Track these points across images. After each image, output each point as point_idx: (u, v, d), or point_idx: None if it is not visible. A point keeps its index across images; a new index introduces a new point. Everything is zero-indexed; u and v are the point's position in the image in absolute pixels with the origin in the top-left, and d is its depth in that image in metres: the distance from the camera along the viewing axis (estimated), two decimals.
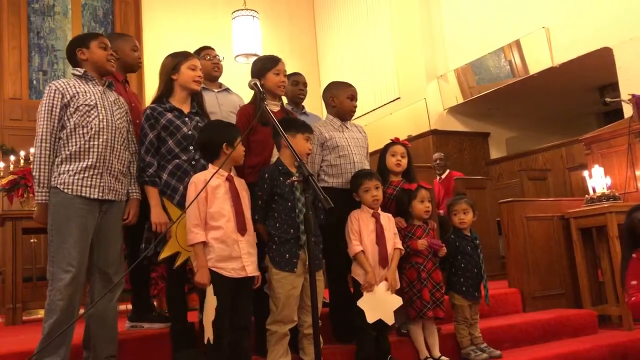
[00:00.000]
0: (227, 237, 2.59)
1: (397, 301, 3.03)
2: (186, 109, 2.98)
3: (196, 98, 3.05)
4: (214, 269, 2.58)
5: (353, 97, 3.41)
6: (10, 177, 4.77)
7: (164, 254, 2.73)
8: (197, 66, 3.00)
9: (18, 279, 4.32)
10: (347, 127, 3.40)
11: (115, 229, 2.78)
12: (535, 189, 6.29)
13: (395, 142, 3.43)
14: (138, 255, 2.83)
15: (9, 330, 4.03)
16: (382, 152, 3.44)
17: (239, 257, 2.60)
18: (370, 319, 2.94)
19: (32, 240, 5.33)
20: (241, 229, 2.62)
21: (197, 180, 2.65)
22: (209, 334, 2.53)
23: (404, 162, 3.37)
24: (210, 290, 2.55)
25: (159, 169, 2.87)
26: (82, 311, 2.64)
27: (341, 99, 3.39)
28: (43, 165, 2.63)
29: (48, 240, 2.65)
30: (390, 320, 2.98)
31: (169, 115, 2.90)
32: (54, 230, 2.61)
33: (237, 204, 2.64)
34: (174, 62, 2.98)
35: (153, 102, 2.97)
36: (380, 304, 2.98)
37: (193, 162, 2.85)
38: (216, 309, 2.53)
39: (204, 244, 2.59)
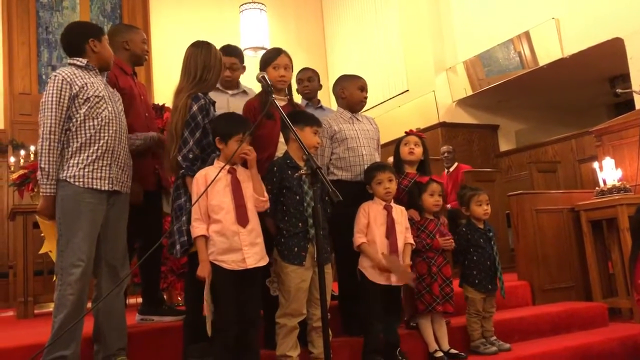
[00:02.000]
0: (227, 229, 2.58)
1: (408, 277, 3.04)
2: None
3: None
4: (215, 262, 2.58)
5: (363, 88, 3.41)
6: (21, 172, 4.80)
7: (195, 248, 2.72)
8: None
9: (29, 272, 4.36)
10: (357, 119, 3.39)
11: (121, 221, 2.79)
12: (545, 182, 6.25)
13: (408, 133, 3.43)
14: (150, 248, 2.82)
15: (20, 324, 4.07)
16: (396, 145, 3.44)
17: (240, 249, 2.58)
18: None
19: (42, 235, 5.36)
20: (242, 221, 2.61)
21: (199, 176, 2.66)
22: (208, 326, 2.56)
23: (418, 150, 3.36)
24: (207, 284, 2.56)
25: (201, 161, 2.80)
26: (89, 304, 2.65)
27: (351, 90, 3.38)
28: (51, 157, 2.59)
29: (57, 234, 2.64)
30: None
31: (212, 108, 2.89)
32: (63, 224, 2.60)
33: (238, 196, 2.63)
34: (219, 56, 2.93)
35: (200, 91, 2.84)
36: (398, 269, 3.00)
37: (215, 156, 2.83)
38: (220, 301, 2.56)
39: (205, 237, 2.59)
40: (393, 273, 2.97)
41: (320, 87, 4.20)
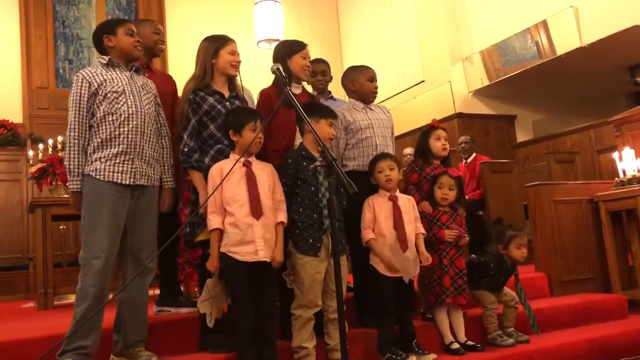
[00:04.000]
0: (240, 221, 2.61)
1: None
2: (226, 93, 2.99)
3: (233, 82, 3.06)
4: (228, 254, 2.61)
5: (373, 78, 3.38)
6: (39, 165, 4.87)
7: (201, 237, 2.77)
8: (235, 51, 3.01)
9: (48, 264, 4.41)
10: (370, 109, 3.38)
11: (148, 214, 2.81)
12: (563, 172, 6.18)
13: (436, 126, 3.39)
14: (168, 239, 2.85)
15: (41, 315, 4.13)
16: (424, 136, 3.40)
17: (252, 241, 2.60)
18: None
19: (61, 227, 5.43)
20: (256, 213, 2.62)
21: (215, 169, 2.69)
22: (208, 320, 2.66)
23: (448, 145, 3.36)
24: (215, 276, 2.63)
25: (201, 153, 2.89)
26: (111, 295, 2.69)
27: (361, 81, 3.36)
28: (72, 154, 2.67)
29: (80, 227, 2.70)
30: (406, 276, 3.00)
31: (211, 100, 2.91)
32: (86, 216, 2.65)
33: (252, 188, 2.65)
34: (214, 46, 2.98)
35: (195, 86, 2.96)
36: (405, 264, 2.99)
37: (230, 148, 2.85)
38: (235, 292, 2.60)
39: (220, 230, 2.62)
40: (400, 272, 2.96)
41: (330, 78, 4.19)
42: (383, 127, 3.35)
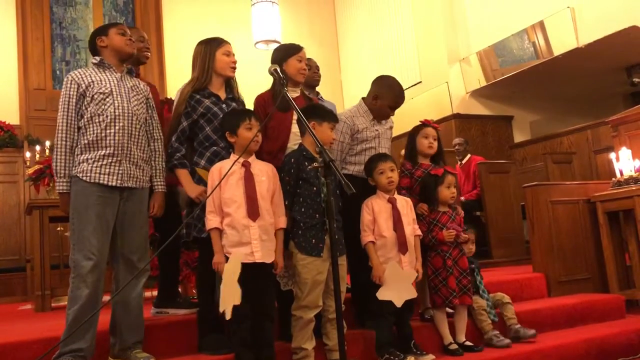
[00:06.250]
0: (237, 222, 2.61)
1: (411, 293, 2.96)
2: (222, 95, 3.00)
3: (229, 84, 3.06)
4: (227, 255, 2.61)
5: (395, 107, 3.30)
6: (36, 167, 4.86)
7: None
8: (231, 52, 3.03)
9: (46, 266, 4.40)
10: (380, 122, 3.34)
11: (138, 215, 2.80)
12: (560, 173, 6.19)
13: (426, 124, 3.37)
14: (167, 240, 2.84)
15: (38, 317, 4.12)
16: (412, 135, 3.38)
17: (249, 243, 2.61)
18: (382, 295, 2.90)
19: (58, 229, 5.42)
20: (252, 215, 2.62)
21: (214, 169, 2.71)
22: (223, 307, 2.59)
23: (436, 144, 3.33)
24: (223, 275, 2.59)
25: (197, 155, 2.91)
26: (106, 298, 2.68)
27: (385, 102, 3.25)
28: (59, 155, 2.67)
29: (69, 228, 2.69)
30: (398, 303, 2.92)
31: (207, 102, 2.93)
32: (75, 218, 2.64)
33: (250, 189, 2.65)
34: (209, 48, 3.00)
35: (192, 90, 2.97)
36: (398, 285, 2.93)
37: (231, 150, 2.85)
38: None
39: (219, 230, 2.63)
40: (383, 287, 2.90)
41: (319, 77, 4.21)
42: (386, 139, 3.37)
